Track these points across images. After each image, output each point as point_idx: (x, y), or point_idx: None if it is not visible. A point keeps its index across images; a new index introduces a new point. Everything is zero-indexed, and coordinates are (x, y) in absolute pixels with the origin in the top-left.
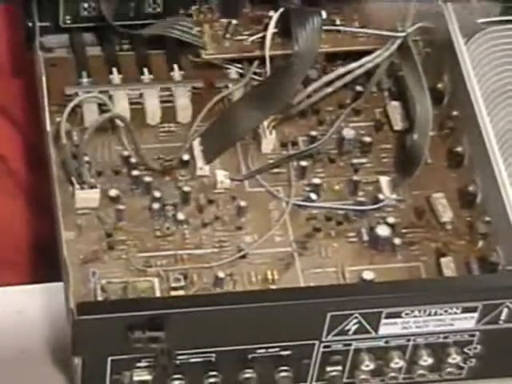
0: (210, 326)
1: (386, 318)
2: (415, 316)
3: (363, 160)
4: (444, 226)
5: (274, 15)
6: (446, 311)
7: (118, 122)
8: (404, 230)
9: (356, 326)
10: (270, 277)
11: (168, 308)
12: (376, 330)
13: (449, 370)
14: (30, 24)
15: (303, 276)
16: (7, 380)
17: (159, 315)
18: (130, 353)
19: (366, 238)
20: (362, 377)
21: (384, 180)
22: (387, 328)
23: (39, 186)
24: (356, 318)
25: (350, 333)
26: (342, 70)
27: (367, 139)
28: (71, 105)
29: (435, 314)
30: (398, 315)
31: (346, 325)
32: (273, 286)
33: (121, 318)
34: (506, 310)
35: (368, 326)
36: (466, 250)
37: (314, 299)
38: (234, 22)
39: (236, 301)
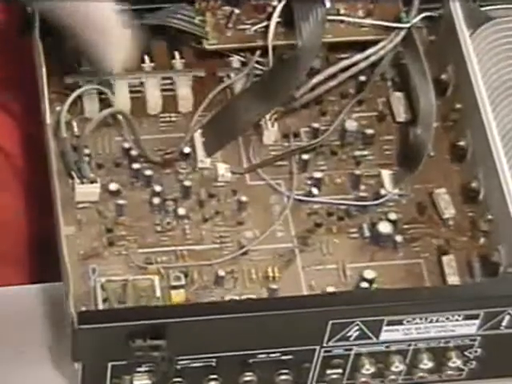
0: (212, 333)
1: (388, 325)
2: (416, 323)
3: (365, 152)
4: (446, 222)
5: (278, 5)
6: (447, 318)
7: (120, 117)
8: (406, 226)
9: (357, 333)
10: (270, 274)
11: (169, 317)
12: (377, 336)
13: (449, 372)
14: (29, 11)
15: (304, 273)
16: (7, 380)
17: (160, 324)
18: (131, 360)
19: (367, 233)
20: (362, 379)
21: (386, 174)
22: (388, 334)
23: (41, 182)
24: (357, 325)
25: (351, 339)
26: (346, 63)
27: (369, 131)
28: (72, 97)
29: (437, 321)
30: (399, 322)
31: (348, 332)
32: (273, 284)
33: (122, 326)
34: (507, 317)
35: (369, 333)
36: (468, 246)
37: (315, 308)
38: (237, 11)
39: (237, 310)
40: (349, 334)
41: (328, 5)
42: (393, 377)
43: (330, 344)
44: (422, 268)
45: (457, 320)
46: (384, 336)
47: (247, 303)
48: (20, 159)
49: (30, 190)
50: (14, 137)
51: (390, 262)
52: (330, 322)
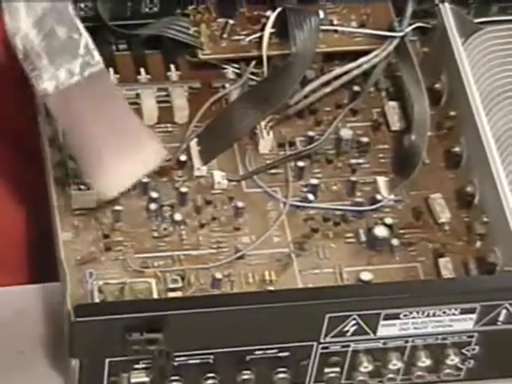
0: (209, 327)
1: (385, 319)
2: (413, 317)
3: (361, 160)
4: (442, 226)
5: (272, 15)
6: (444, 312)
7: None
8: (402, 231)
9: (354, 328)
10: (267, 278)
11: (166, 310)
12: (374, 332)
13: (447, 371)
14: None
15: (301, 277)
16: (6, 379)
17: (157, 317)
18: (128, 354)
19: (363, 238)
20: (360, 378)
21: (382, 180)
22: (385, 329)
23: (38, 185)
24: (354, 319)
25: (348, 334)
26: (339, 71)
27: (365, 139)
28: None
29: (433, 315)
30: (396, 317)
31: (345, 326)
32: (270, 288)
33: (118, 319)
34: (504, 312)
35: (366, 328)
36: (464, 250)
37: (312, 301)
38: (231, 21)
39: (234, 302)
40: (346, 329)
41: (321, 15)
42: (391, 375)
43: (328, 340)
44: (418, 272)
45: (454, 314)
46: (381, 331)
47: (244, 296)
48: (18, 163)
49: (30, 192)
50: (14, 143)
51: (387, 266)
52: (327, 315)
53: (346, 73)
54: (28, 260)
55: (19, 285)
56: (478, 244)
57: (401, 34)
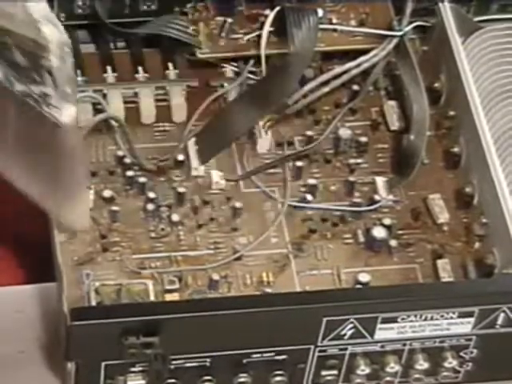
0: (205, 331)
1: (382, 322)
2: (411, 321)
3: (359, 160)
4: (440, 227)
5: (270, 14)
6: (442, 316)
7: (113, 122)
8: (400, 232)
9: (352, 331)
10: (265, 279)
11: (162, 313)
12: (372, 335)
13: (445, 373)
14: None
15: (299, 278)
16: (5, 379)
17: (153, 320)
18: (124, 358)
19: (362, 239)
20: (358, 381)
21: (380, 180)
22: (383, 333)
23: None
24: (352, 322)
25: (346, 337)
26: (338, 70)
27: (363, 139)
28: None
29: (431, 318)
30: (393, 320)
31: (342, 330)
32: (268, 289)
33: (115, 323)
34: (502, 315)
35: (364, 331)
36: (463, 251)
37: (309, 304)
38: (230, 20)
39: (231, 306)
40: (343, 333)
41: (320, 14)
42: (388, 378)
43: (325, 343)
44: (416, 273)
45: (451, 318)
46: (379, 335)
47: (241, 299)
48: None
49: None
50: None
51: (385, 267)
52: (324, 319)
53: (345, 72)
54: (28, 260)
55: (19, 285)
56: (477, 245)
57: (400, 33)
